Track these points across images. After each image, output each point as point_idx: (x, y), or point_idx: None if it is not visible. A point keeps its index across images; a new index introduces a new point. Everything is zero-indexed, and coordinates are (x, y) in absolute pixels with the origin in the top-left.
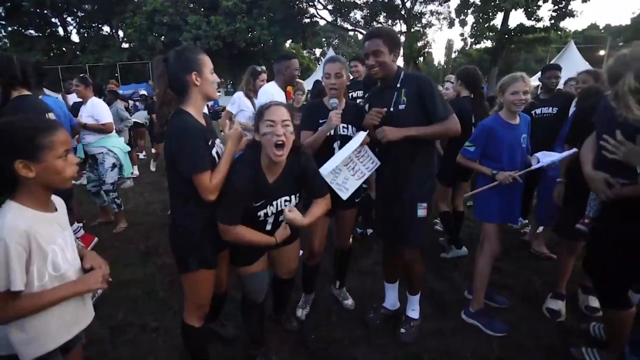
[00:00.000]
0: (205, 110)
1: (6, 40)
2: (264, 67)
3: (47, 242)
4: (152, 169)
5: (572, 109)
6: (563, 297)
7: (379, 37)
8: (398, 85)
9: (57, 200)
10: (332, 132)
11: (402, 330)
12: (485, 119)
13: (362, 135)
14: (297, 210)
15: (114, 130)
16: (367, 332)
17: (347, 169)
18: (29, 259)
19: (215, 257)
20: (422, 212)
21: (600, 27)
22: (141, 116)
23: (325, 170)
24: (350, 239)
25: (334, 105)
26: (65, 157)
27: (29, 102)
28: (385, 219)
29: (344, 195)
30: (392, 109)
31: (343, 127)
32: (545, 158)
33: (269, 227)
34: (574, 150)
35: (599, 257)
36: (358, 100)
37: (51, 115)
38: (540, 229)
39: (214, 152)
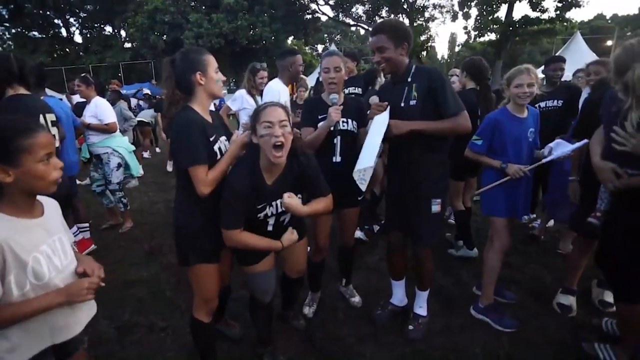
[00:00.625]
0: (212, 108)
1: (10, 43)
2: (264, 64)
3: (27, 251)
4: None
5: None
6: (574, 292)
7: (382, 32)
8: (409, 79)
9: (47, 202)
10: (332, 127)
11: (410, 327)
12: (492, 112)
13: (385, 119)
14: (296, 198)
15: (118, 130)
16: (374, 330)
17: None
18: (4, 269)
19: (217, 252)
20: (436, 207)
21: (607, 17)
22: (147, 115)
23: (364, 164)
24: (364, 236)
25: (334, 101)
26: (48, 161)
27: (22, 102)
28: (397, 215)
29: (364, 187)
30: (402, 104)
31: (343, 122)
32: (558, 148)
33: (269, 228)
34: (585, 141)
35: (609, 248)
36: None
37: (49, 116)
38: (551, 222)
39: (216, 147)
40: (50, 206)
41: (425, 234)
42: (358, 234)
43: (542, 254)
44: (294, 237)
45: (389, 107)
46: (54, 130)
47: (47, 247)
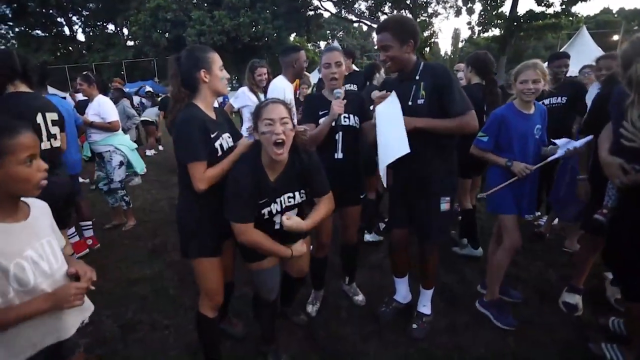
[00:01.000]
0: (216, 105)
1: (14, 42)
2: (262, 61)
3: (8, 257)
4: None
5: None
6: (580, 291)
7: (387, 31)
8: (417, 77)
9: (35, 204)
10: (334, 123)
11: (414, 326)
12: (498, 108)
13: (390, 104)
14: (295, 217)
15: (120, 128)
16: (377, 328)
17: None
18: None
19: (217, 245)
20: (444, 206)
21: (614, 11)
22: (151, 114)
23: (393, 155)
24: (375, 237)
25: (338, 95)
26: (30, 163)
27: (22, 99)
28: (402, 213)
29: (385, 181)
30: (410, 103)
31: (344, 117)
32: (564, 147)
33: (277, 227)
34: (590, 137)
35: (616, 245)
36: None
37: (50, 115)
38: (556, 220)
39: (217, 144)
40: (38, 208)
41: (434, 232)
42: (368, 237)
43: (547, 251)
44: (304, 249)
45: (394, 92)
46: (55, 130)
47: (33, 251)
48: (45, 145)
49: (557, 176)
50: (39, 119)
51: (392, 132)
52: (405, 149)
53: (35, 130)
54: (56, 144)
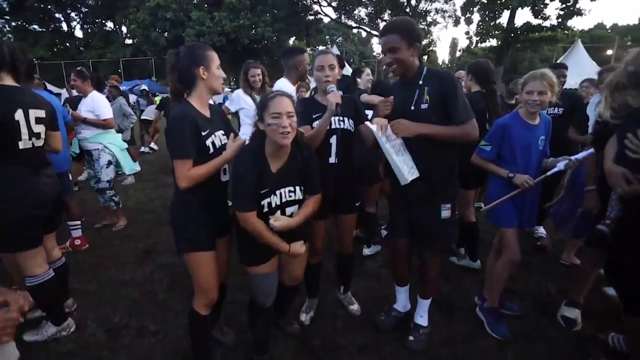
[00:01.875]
0: (211, 102)
1: (10, 36)
2: (257, 62)
3: None
4: None
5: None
6: (579, 305)
7: (394, 33)
8: (420, 82)
9: None
10: (329, 126)
11: (411, 338)
12: (503, 117)
13: (375, 127)
14: (283, 216)
15: (116, 127)
16: (374, 339)
17: (399, 156)
18: None
19: (208, 240)
20: (445, 213)
21: (607, 27)
22: (151, 112)
23: (412, 175)
24: (373, 251)
25: (332, 89)
26: None
27: (1, 93)
28: (404, 221)
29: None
30: (412, 108)
31: (339, 120)
32: (562, 161)
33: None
34: (591, 151)
35: (618, 257)
36: None
37: (35, 112)
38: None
39: (209, 142)
40: None
41: (437, 239)
42: (367, 251)
43: (544, 264)
44: (302, 250)
45: (372, 127)
46: (39, 128)
47: None
48: (25, 144)
49: (566, 188)
50: (19, 115)
51: (397, 157)
52: (414, 174)
53: (13, 128)
54: (38, 143)
